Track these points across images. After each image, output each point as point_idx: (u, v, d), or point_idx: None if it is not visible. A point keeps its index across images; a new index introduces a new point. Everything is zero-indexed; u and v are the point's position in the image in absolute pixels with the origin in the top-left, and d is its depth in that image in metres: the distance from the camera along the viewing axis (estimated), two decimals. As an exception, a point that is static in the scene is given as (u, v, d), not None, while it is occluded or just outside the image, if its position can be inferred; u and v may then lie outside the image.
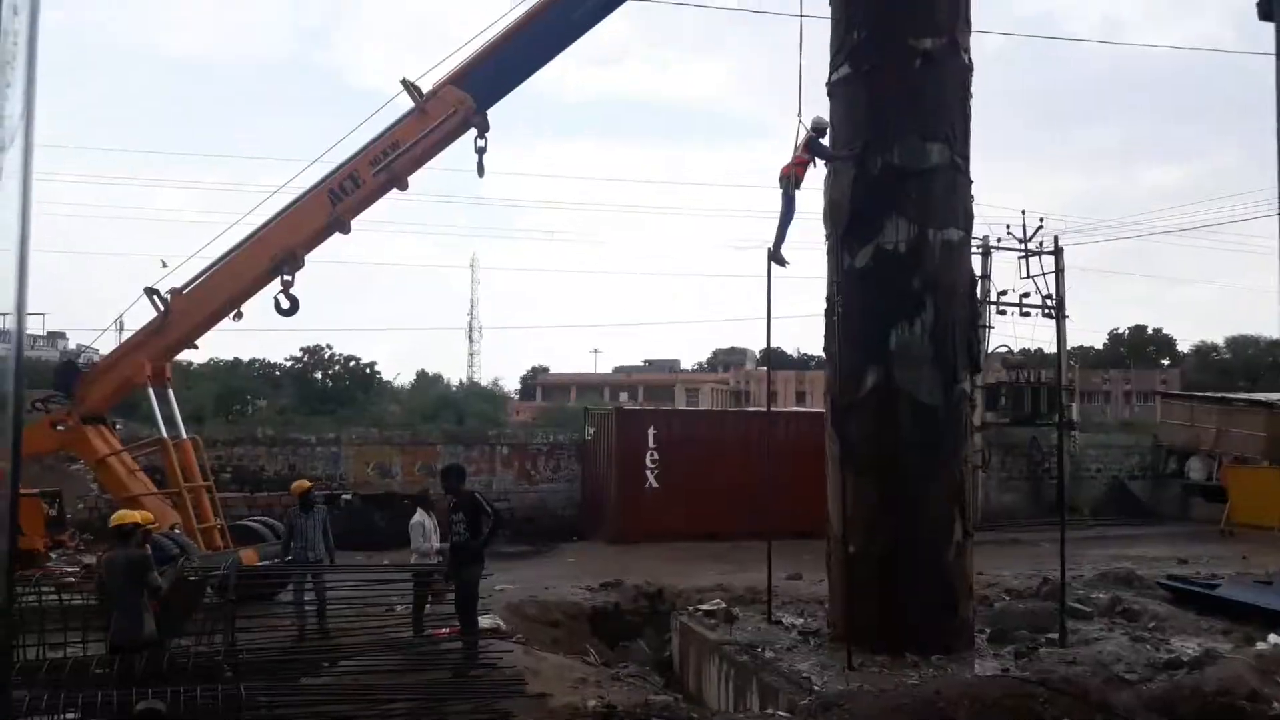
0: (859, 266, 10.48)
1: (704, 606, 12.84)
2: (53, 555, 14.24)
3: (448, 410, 41.41)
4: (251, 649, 8.70)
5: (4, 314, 1.45)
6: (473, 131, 13.41)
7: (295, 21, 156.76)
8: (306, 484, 12.68)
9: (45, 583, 9.35)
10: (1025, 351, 25.63)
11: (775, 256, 10.92)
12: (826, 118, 10.75)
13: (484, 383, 64.36)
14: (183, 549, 11.30)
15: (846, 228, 10.56)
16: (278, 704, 7.63)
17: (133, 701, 6.43)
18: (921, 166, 10.29)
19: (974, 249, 11.37)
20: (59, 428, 13.79)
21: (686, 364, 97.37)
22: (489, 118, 13.43)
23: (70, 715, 6.51)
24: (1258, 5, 1.96)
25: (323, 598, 10.83)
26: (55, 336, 59.98)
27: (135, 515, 8.84)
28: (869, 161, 10.41)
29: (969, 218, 10.85)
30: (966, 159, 10.66)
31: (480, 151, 13.46)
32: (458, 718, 7.39)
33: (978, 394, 18.85)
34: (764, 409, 18.37)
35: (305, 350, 47.90)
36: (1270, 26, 1.88)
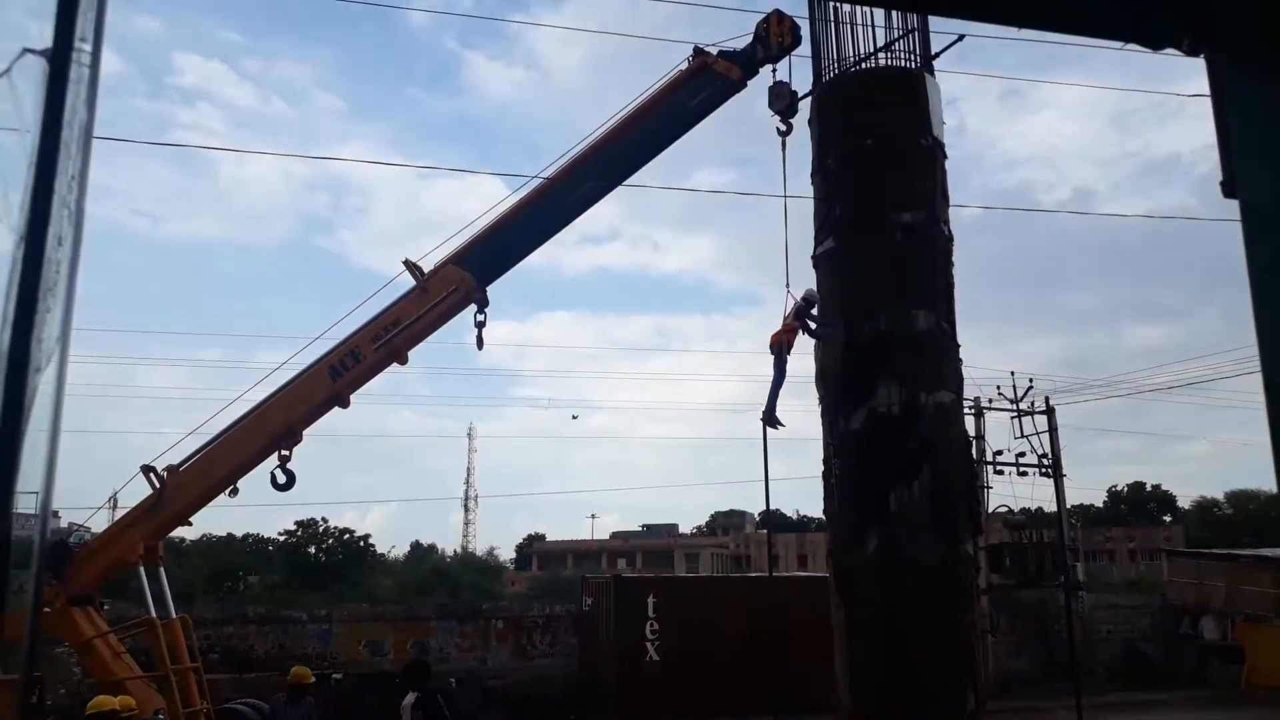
0: (854, 429, 10.57)
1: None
2: (29, 746, 13.63)
3: (441, 583, 40.58)
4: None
5: (31, 514, 1.49)
6: (472, 307, 13.77)
7: (297, 208, 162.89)
8: (305, 672, 12.26)
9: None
10: (1025, 510, 25.47)
11: (769, 419, 11.05)
12: (814, 290, 11.10)
13: (479, 552, 63.37)
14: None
15: (840, 392, 10.72)
16: None
17: None
18: (909, 333, 10.54)
19: (967, 410, 11.52)
20: (44, 610, 13.47)
21: (685, 528, 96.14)
22: (488, 294, 13.82)
23: None
24: (1221, 185, 2.11)
25: None
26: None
27: (114, 702, 8.59)
28: (857, 329, 10.67)
29: (959, 380, 11.04)
30: (953, 323, 10.94)
31: (480, 325, 13.79)
32: None
33: (981, 555, 18.60)
34: (765, 573, 18.10)
35: (299, 524, 47.37)
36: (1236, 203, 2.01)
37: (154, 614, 13.51)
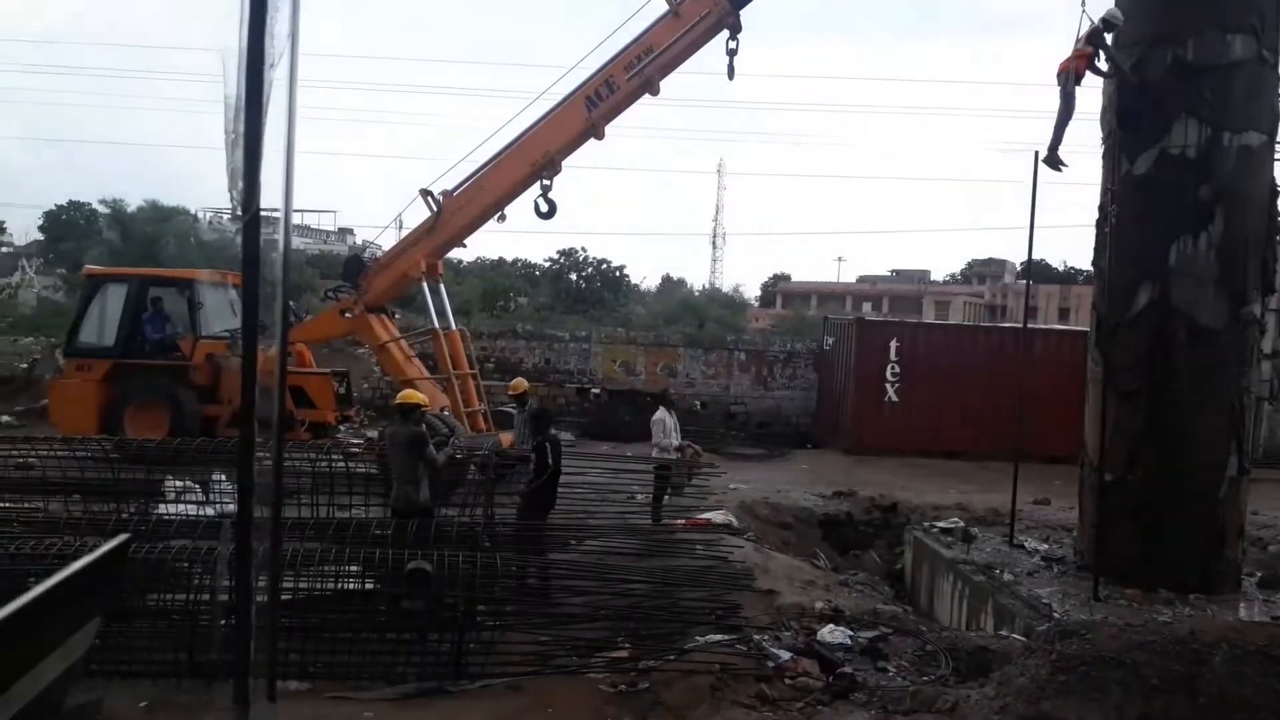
0: (1138, 173, 9.51)
1: (941, 524, 12.52)
2: (341, 428, 15.92)
3: (689, 314, 41.99)
4: (507, 523, 9.40)
5: (276, 210, 1.59)
6: (725, 34, 13.19)
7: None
8: (520, 383, 13.00)
9: (334, 451, 10.48)
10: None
11: (1050, 160, 9.97)
12: (1119, 11, 9.61)
13: (725, 289, 64.62)
14: (451, 429, 12.28)
15: (1128, 130, 9.57)
16: (527, 573, 8.25)
17: (405, 560, 7.16)
18: (1220, 61, 9.11)
19: (1278, 155, 9.98)
20: (346, 315, 15.20)
21: (937, 275, 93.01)
22: (741, 18, 13.15)
23: (353, 568, 7.36)
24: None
25: None
26: (344, 232, 66.06)
27: (419, 396, 9.69)
28: (1158, 55, 9.32)
29: (1274, 119, 9.54)
30: (1275, 51, 9.32)
31: (731, 54, 13.24)
32: (689, 604, 7.69)
33: (1270, 318, 16.80)
34: (1020, 324, 17.33)
35: (561, 253, 49.95)
36: None
37: (436, 325, 14.94)
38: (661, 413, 12.49)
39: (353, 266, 15.80)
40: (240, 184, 1.36)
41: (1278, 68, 9.38)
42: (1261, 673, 5.49)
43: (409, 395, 9.51)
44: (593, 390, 23.12)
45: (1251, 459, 10.05)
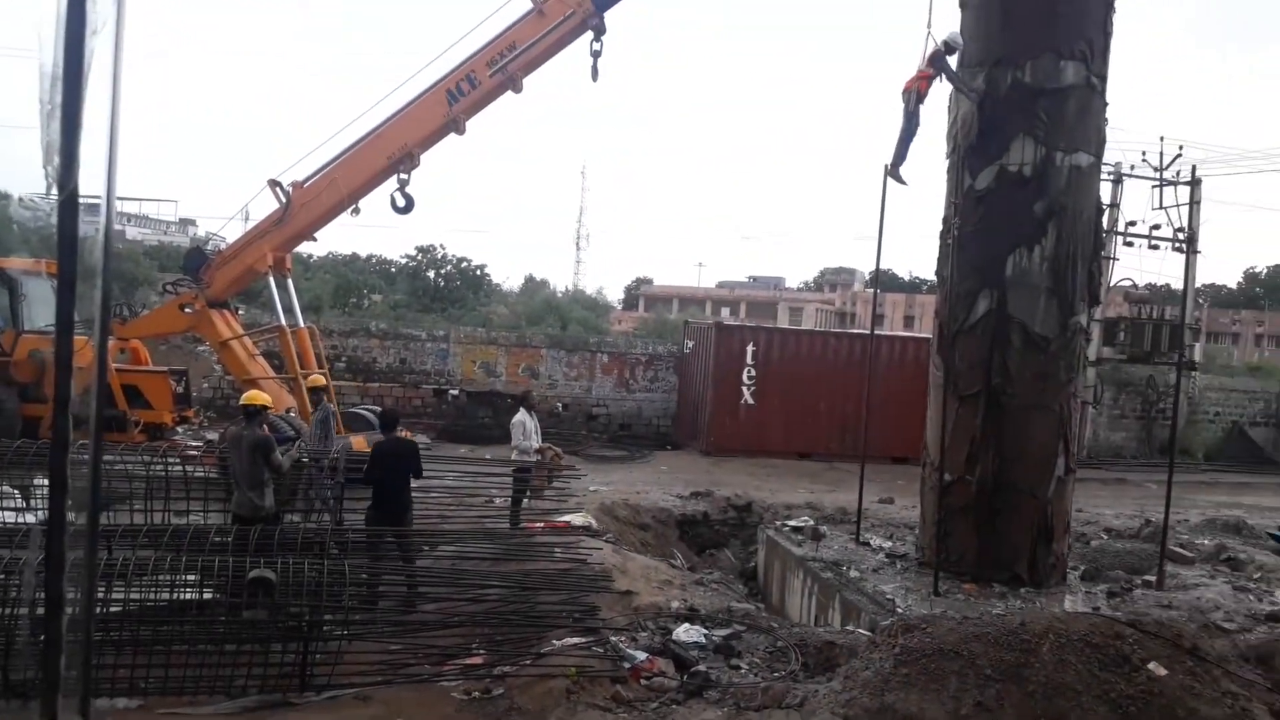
0: (980, 188, 10.05)
1: (792, 522, 12.89)
2: (179, 429, 15.12)
3: (552, 315, 41.85)
4: (356, 529, 9.12)
5: (96, 197, 1.47)
6: (589, 34, 13.21)
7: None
8: (254, 395, 12.47)
9: (171, 454, 9.93)
10: (1151, 286, 24.43)
11: (894, 174, 10.45)
12: (959, 36, 10.15)
13: (588, 290, 64.84)
14: (297, 432, 11.83)
15: (970, 147, 10.10)
16: (378, 581, 8.02)
17: (247, 568, 6.84)
18: (1054, 85, 9.72)
19: (1104, 175, 10.74)
20: (187, 310, 14.47)
21: (792, 282, 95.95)
22: (606, 21, 13.20)
23: (190, 577, 6.97)
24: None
25: None
26: (186, 223, 62.74)
27: (264, 397, 9.28)
28: (998, 78, 9.87)
29: (1101, 142, 10.25)
30: (1103, 78, 10.02)
31: (595, 55, 13.27)
32: (547, 608, 7.64)
33: (1095, 328, 18.07)
34: (869, 331, 18.04)
35: (419, 249, 48.90)
36: None
37: (283, 321, 14.38)
38: (522, 414, 12.39)
39: (194, 259, 15.06)
40: (56, 160, 1.25)
41: (1104, 94, 10.08)
42: (1083, 660, 5.87)
43: (253, 396, 9.11)
44: (451, 392, 22.73)
45: (1077, 459, 10.78)
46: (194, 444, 13.83)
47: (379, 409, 16.77)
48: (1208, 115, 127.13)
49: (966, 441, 9.99)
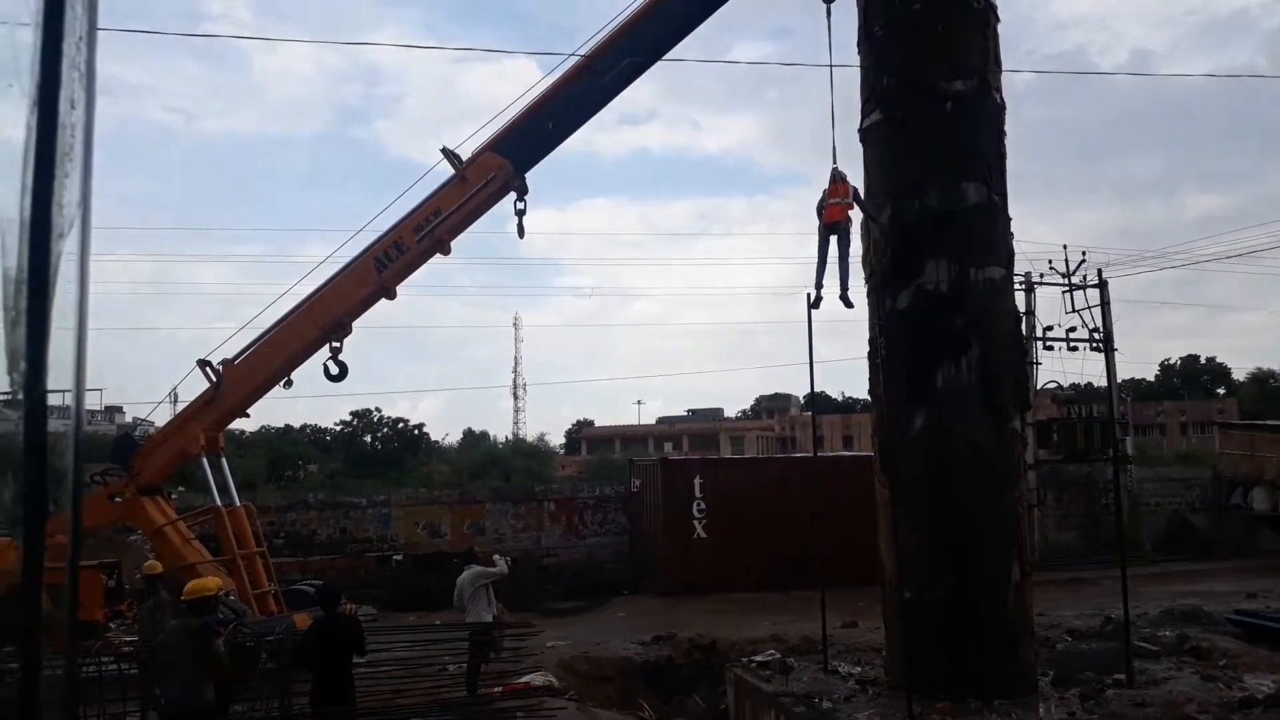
0: (900, 308, 10.42)
1: (758, 658, 12.63)
2: (112, 626, 14.41)
3: (495, 467, 41.52)
4: (306, 714, 8.69)
5: (64, 391, 1.48)
6: (512, 195, 13.63)
7: (331, 100, 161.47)
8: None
9: (104, 654, 9.45)
10: (1075, 386, 25.24)
11: (844, 298, 10.64)
12: (839, 169, 10.61)
13: (529, 438, 64.56)
14: (237, 615, 11.36)
15: (886, 270, 10.53)
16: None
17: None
18: (959, 207, 10.26)
19: (1017, 285, 11.25)
20: (117, 500, 14.04)
21: (730, 412, 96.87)
22: (527, 181, 13.66)
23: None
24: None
25: None
26: (112, 411, 61.29)
27: (211, 585, 8.90)
28: (906, 205, 10.40)
29: (1010, 255, 10.77)
30: (1004, 196, 10.62)
31: (520, 213, 13.66)
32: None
33: (1029, 431, 18.52)
34: (810, 454, 18.22)
35: (354, 414, 48.54)
36: None
37: (219, 502, 14.02)
38: (467, 573, 12.12)
39: (123, 446, 14.70)
40: (22, 366, 1.27)
41: (1006, 210, 10.66)
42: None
43: (200, 587, 8.72)
44: (394, 557, 22.12)
45: (1030, 563, 10.85)
46: (128, 640, 13.15)
47: (319, 583, 16.25)
48: (1102, 220, 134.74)
49: (923, 558, 10.02)
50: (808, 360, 11.59)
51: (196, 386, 14.29)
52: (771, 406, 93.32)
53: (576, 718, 9.70)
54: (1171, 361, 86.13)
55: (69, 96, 1.25)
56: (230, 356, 14.08)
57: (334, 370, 13.84)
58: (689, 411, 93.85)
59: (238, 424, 16.72)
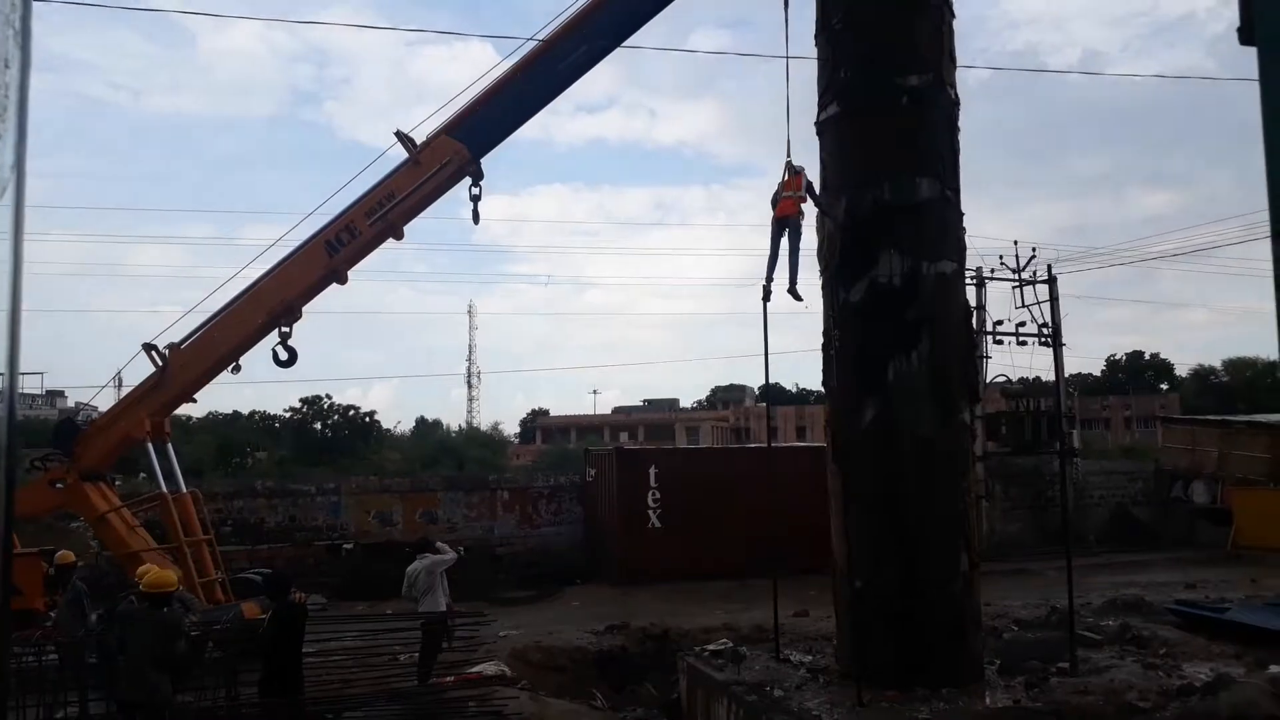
0: (854, 301, 10.52)
1: (711, 647, 12.72)
2: (52, 614, 14.11)
3: (448, 456, 41.32)
4: (253, 703, 8.60)
5: None
6: (467, 180, 13.53)
7: (282, 81, 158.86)
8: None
9: (45, 643, 9.26)
10: (1023, 380, 25.68)
11: (791, 290, 10.72)
12: (793, 161, 10.69)
13: (483, 427, 64.37)
14: (184, 604, 11.20)
15: (840, 263, 10.62)
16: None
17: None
18: (912, 201, 10.37)
19: (968, 280, 11.43)
20: (58, 486, 13.75)
21: (685, 403, 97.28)
22: (482, 166, 13.56)
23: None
24: (1238, 30, 1.99)
25: None
26: (54, 395, 59.99)
27: (169, 578, 8.73)
28: (860, 198, 10.49)
29: (961, 249, 10.92)
30: (957, 191, 10.76)
31: (475, 199, 13.57)
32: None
33: (977, 424, 18.81)
34: (764, 444, 18.37)
35: (304, 401, 47.95)
36: (1253, 51, 1.90)
37: (164, 489, 13.79)
38: (419, 562, 12.05)
39: (65, 431, 14.39)
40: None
41: (959, 205, 10.80)
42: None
43: (162, 580, 8.47)
44: (345, 546, 21.93)
45: (978, 554, 11.05)
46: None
47: (267, 571, 16.04)
48: (1052, 217, 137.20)
49: (872, 548, 10.15)
50: (763, 352, 11.68)
51: (141, 371, 14.08)
52: (727, 397, 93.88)
53: (528, 707, 9.70)
54: (1117, 357, 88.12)
55: (1, 55, 1.21)
56: (177, 341, 13.84)
57: (283, 356, 13.66)
58: (645, 402, 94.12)
59: (184, 409, 16.50)
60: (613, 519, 21.78)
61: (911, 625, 9.95)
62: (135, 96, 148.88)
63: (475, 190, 13.54)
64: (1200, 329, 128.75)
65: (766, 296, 10.77)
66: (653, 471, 21.78)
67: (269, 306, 13.56)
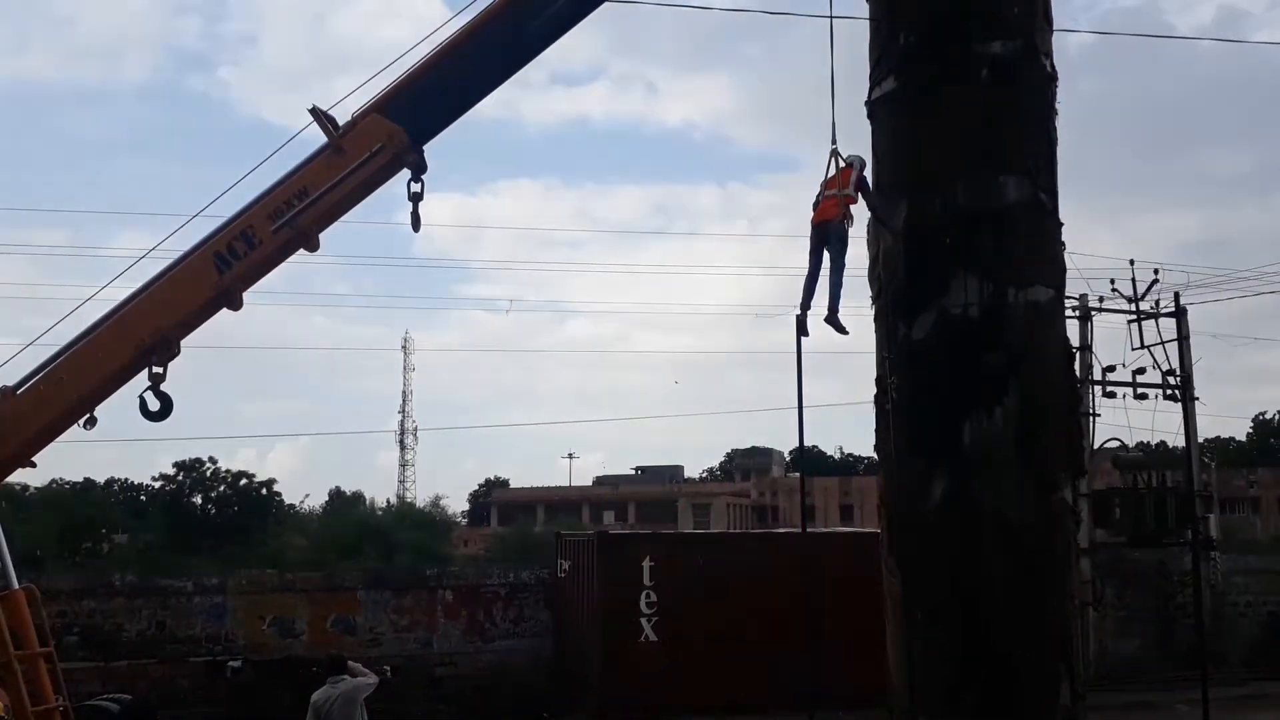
0: (918, 338, 10.53)
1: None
2: None
3: (371, 543, 41.23)
4: None
5: None
6: (405, 174, 13.60)
7: (161, 38, 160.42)
8: None
9: None
10: (1143, 446, 25.73)
11: (832, 322, 10.72)
12: (860, 156, 10.83)
13: (420, 504, 64.26)
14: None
15: (899, 289, 10.67)
16: None
17: None
18: (995, 206, 10.42)
19: (1069, 312, 11.52)
20: None
21: (692, 471, 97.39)
22: (425, 155, 13.64)
23: None
24: None
25: None
26: None
27: None
28: (924, 202, 10.55)
29: (1060, 271, 10.95)
30: (1054, 195, 10.82)
31: (415, 198, 13.61)
32: None
33: (1083, 505, 18.80)
34: (798, 529, 18.33)
35: (179, 467, 47.88)
36: None
37: (-12, 583, 13.71)
38: (329, 688, 11.98)
39: None
40: None
41: (1057, 212, 10.87)
42: None
43: None
44: (231, 664, 21.79)
45: (1084, 681, 10.98)
46: None
47: (126, 699, 15.91)
48: (1180, 229, 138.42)
49: (940, 673, 10.08)
50: (796, 405, 11.63)
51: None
52: (747, 465, 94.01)
53: None
54: (1268, 416, 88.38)
55: None
56: (11, 384, 13.83)
57: (154, 405, 13.62)
58: (638, 470, 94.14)
59: (20, 476, 16.40)
60: (593, 630, 21.65)
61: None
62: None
63: (416, 187, 13.58)
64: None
65: (802, 329, 10.77)
66: (647, 565, 21.71)
67: (137, 339, 13.53)
